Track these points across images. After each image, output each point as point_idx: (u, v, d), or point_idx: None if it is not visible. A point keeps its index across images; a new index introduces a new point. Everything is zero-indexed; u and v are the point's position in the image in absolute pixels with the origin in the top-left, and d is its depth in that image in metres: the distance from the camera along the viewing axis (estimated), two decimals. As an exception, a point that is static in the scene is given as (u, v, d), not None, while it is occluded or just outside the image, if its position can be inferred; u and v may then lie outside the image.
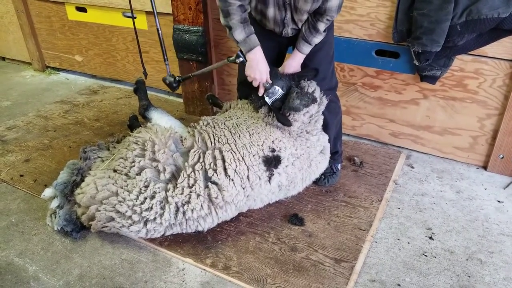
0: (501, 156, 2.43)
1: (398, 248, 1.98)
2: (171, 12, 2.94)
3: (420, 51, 2.23)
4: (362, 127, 2.80)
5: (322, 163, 2.19)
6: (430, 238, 2.04)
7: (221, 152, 1.93)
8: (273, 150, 1.99)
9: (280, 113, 1.99)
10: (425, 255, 1.94)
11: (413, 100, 2.55)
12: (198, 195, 1.87)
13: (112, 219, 1.89)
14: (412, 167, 2.57)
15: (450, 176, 2.49)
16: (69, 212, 2.02)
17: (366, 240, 2.00)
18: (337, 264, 1.87)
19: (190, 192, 1.87)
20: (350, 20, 2.50)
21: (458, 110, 2.46)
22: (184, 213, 1.88)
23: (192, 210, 1.87)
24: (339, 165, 2.42)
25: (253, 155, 1.95)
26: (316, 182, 2.32)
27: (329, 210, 2.19)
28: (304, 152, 2.07)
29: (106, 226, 1.93)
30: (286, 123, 1.99)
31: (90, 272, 1.87)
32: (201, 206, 1.88)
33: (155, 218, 1.87)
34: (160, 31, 2.34)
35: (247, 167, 1.93)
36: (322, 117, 2.14)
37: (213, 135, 2.00)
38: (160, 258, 1.94)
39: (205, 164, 1.91)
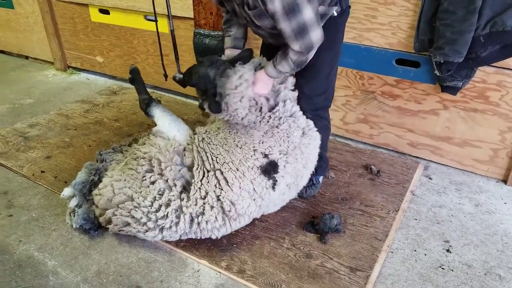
0: (522, 170, 2.40)
1: (415, 260, 1.96)
2: (192, 17, 2.99)
3: (442, 62, 2.22)
4: (379, 136, 2.78)
5: (311, 142, 2.04)
6: (448, 250, 2.01)
7: (222, 173, 1.90)
8: (266, 156, 1.93)
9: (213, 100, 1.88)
10: (442, 268, 1.92)
11: (432, 111, 2.53)
12: (212, 207, 1.87)
13: (128, 224, 1.91)
14: (430, 178, 2.54)
15: (469, 189, 2.45)
16: (87, 211, 2.05)
17: (382, 250, 1.98)
18: (352, 273, 1.86)
19: (204, 203, 1.88)
20: (371, 29, 2.51)
21: (479, 122, 2.43)
22: (198, 223, 1.89)
23: (206, 222, 1.88)
24: (321, 177, 2.35)
25: (252, 168, 1.91)
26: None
27: (345, 218, 2.18)
28: (289, 144, 1.97)
29: (123, 230, 1.95)
30: (213, 109, 1.87)
31: (107, 269, 1.90)
32: (216, 218, 1.88)
33: (170, 227, 1.88)
34: (173, 32, 2.31)
35: (250, 181, 1.90)
36: (291, 105, 1.97)
37: (210, 154, 1.96)
38: (176, 258, 1.96)
39: (210, 185, 1.90)
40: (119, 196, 1.93)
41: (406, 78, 2.53)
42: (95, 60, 4.01)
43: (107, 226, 1.99)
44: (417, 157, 2.72)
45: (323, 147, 2.24)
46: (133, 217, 1.89)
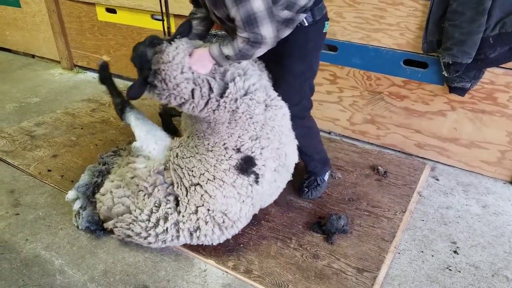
0: (530, 172, 2.38)
1: (422, 261, 1.95)
2: (199, 16, 2.98)
3: (450, 62, 2.21)
4: (386, 136, 2.78)
5: (278, 113, 1.89)
6: (455, 252, 2.01)
7: (201, 187, 1.85)
8: (238, 150, 1.84)
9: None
10: (450, 269, 1.91)
11: (440, 112, 2.52)
12: (206, 222, 1.84)
13: (130, 236, 1.91)
14: (437, 179, 2.53)
15: (476, 190, 2.44)
16: (91, 213, 2.05)
17: (389, 251, 1.98)
18: (359, 274, 1.86)
19: (198, 219, 1.85)
20: (379, 29, 2.50)
21: (486, 123, 2.42)
22: (198, 237, 1.88)
23: (205, 235, 1.87)
24: (326, 175, 2.33)
25: (228, 170, 1.83)
26: (300, 194, 2.27)
27: (352, 219, 2.17)
28: (255, 126, 1.85)
29: (126, 239, 1.95)
30: (130, 92, 1.77)
31: (114, 268, 1.90)
32: (212, 230, 1.86)
33: (172, 240, 1.87)
34: (170, 30, 2.27)
35: (232, 186, 1.84)
36: (242, 81, 1.82)
37: (186, 169, 1.89)
38: (183, 258, 1.96)
39: (196, 200, 1.86)
40: (117, 206, 1.92)
41: (414, 79, 2.52)
42: (101, 59, 4.01)
43: (111, 236, 1.99)
44: (424, 158, 2.71)
45: (311, 149, 2.20)
46: (133, 230, 1.88)
